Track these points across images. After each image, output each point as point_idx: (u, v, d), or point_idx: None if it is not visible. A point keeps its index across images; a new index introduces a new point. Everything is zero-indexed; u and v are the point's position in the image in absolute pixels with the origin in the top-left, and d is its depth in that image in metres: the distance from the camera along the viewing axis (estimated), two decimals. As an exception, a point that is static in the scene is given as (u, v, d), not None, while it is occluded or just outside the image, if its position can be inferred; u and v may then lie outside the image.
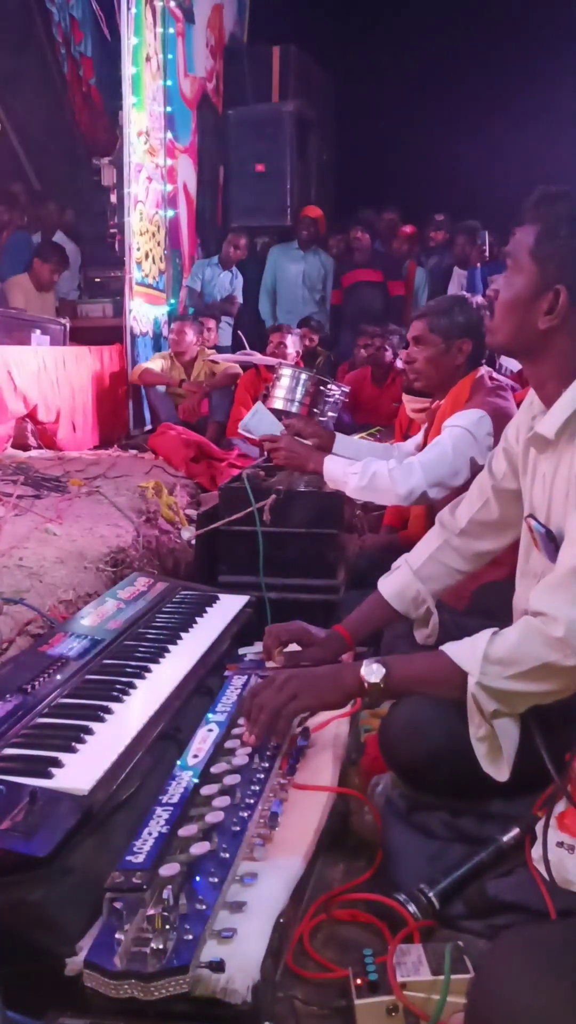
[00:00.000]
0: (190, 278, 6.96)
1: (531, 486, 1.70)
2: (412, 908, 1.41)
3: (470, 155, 8.33)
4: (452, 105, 8.38)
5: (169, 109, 6.35)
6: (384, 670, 1.53)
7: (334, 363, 6.62)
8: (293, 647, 1.94)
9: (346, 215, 7.82)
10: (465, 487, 2.39)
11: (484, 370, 2.64)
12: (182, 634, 2.01)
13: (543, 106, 8.26)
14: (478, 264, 6.59)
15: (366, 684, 1.53)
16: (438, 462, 2.45)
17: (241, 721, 1.63)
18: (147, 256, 6.06)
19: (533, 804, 1.52)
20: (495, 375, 2.67)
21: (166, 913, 1.13)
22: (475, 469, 2.42)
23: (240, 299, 7.13)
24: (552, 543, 1.59)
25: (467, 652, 1.47)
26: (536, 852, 1.43)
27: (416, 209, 7.76)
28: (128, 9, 5.63)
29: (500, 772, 1.48)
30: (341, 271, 7.34)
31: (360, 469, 2.57)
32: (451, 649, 1.50)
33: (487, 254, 6.51)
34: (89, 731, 1.48)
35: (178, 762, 1.53)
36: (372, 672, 1.53)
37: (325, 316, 7.50)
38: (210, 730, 1.65)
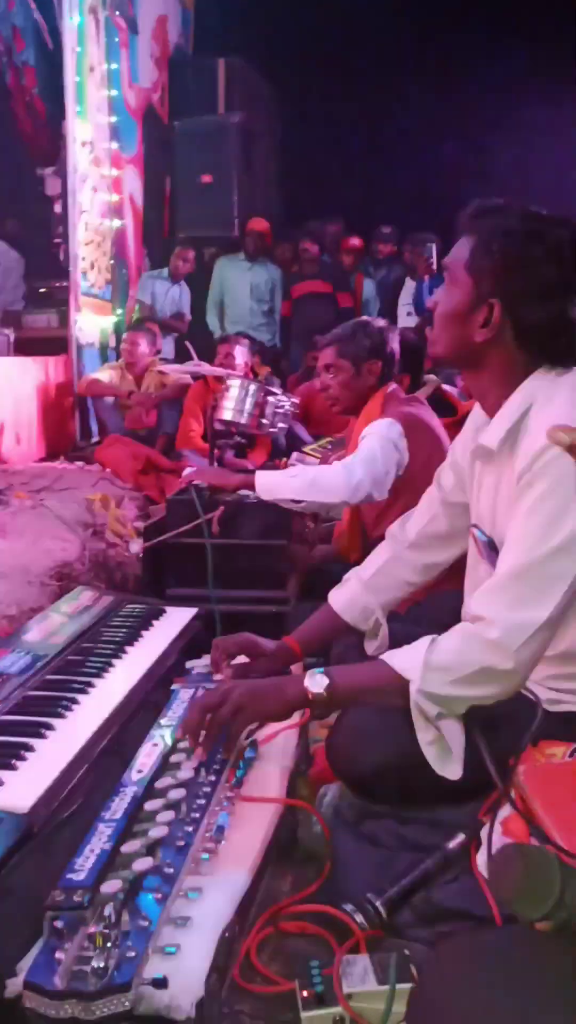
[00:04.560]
0: (140, 292, 6.93)
1: (477, 497, 1.72)
2: (359, 918, 1.41)
3: (416, 166, 8.44)
4: (397, 116, 8.47)
5: (114, 119, 6.34)
6: (327, 680, 1.53)
7: (284, 374, 6.64)
8: (241, 659, 1.93)
9: (293, 226, 7.86)
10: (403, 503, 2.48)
11: (394, 386, 2.82)
12: (128, 648, 1.99)
13: (490, 117, 8.40)
14: (426, 276, 6.66)
15: (310, 695, 1.53)
16: (372, 461, 2.59)
17: (178, 735, 1.62)
18: (93, 266, 6.03)
19: (478, 810, 1.53)
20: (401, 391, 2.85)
21: (108, 931, 1.11)
22: (397, 475, 2.61)
23: (188, 315, 7.12)
24: (495, 552, 1.62)
25: (408, 660, 1.49)
26: (481, 858, 1.44)
27: (364, 221, 7.82)
28: (71, 19, 5.60)
29: (453, 771, 1.49)
30: (290, 282, 7.36)
31: (298, 472, 2.70)
32: (392, 658, 1.51)
33: (434, 266, 6.58)
34: (30, 748, 1.45)
35: (122, 777, 1.51)
36: (315, 683, 1.53)
37: (275, 327, 7.51)
38: (155, 744, 1.63)
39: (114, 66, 6.32)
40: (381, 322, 2.90)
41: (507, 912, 0.92)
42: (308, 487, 2.62)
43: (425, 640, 1.49)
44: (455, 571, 1.95)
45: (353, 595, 1.94)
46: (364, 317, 2.97)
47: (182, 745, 1.62)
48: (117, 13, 6.40)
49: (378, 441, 2.60)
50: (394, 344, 2.85)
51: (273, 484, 2.69)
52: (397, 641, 1.85)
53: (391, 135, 8.51)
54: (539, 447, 1.46)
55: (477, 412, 1.73)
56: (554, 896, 0.89)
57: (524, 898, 0.90)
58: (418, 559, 1.93)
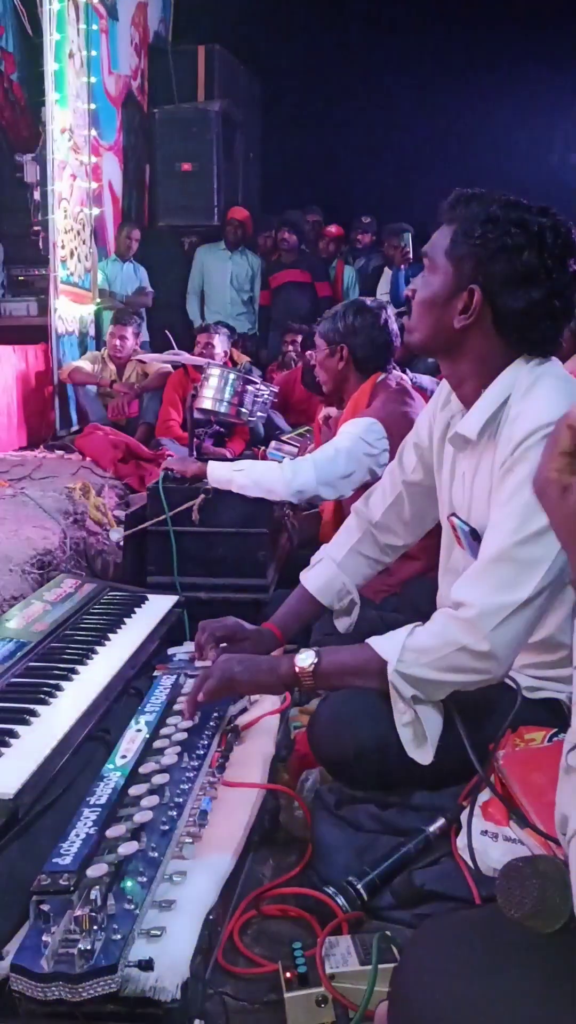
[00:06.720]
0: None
1: (450, 485, 1.73)
2: (341, 900, 1.43)
3: (396, 155, 8.44)
4: (377, 105, 8.45)
5: (93, 106, 6.27)
6: (316, 657, 1.59)
7: (263, 363, 6.62)
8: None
9: (273, 215, 7.84)
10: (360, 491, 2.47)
11: (384, 376, 2.69)
12: (110, 635, 2.00)
13: (468, 107, 8.40)
14: (402, 266, 6.67)
15: (297, 668, 1.59)
16: (330, 462, 2.56)
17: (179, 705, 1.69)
18: (72, 254, 5.98)
19: (458, 795, 1.55)
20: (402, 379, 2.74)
21: (94, 913, 1.12)
22: (373, 477, 2.52)
23: (150, 288, 7.00)
24: (476, 541, 1.63)
25: (388, 642, 1.53)
26: (461, 841, 1.46)
27: (343, 209, 7.81)
28: (50, 4, 5.54)
29: (424, 756, 1.53)
30: (269, 271, 7.34)
31: (245, 466, 2.78)
32: (375, 640, 1.56)
33: (410, 255, 6.59)
34: (14, 734, 1.46)
35: (106, 763, 1.52)
36: (304, 658, 1.60)
37: (254, 317, 7.49)
38: (139, 730, 1.64)
39: (93, 53, 6.26)
40: (370, 305, 2.71)
41: (514, 918, 0.92)
42: (251, 486, 2.72)
43: (409, 626, 1.54)
44: (420, 555, 1.98)
45: (329, 577, 1.96)
46: (360, 299, 2.83)
47: (164, 731, 1.64)
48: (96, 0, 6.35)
49: (348, 442, 2.55)
50: (385, 331, 2.67)
51: (222, 477, 2.81)
52: (374, 626, 1.87)
53: (371, 125, 8.50)
54: (521, 435, 1.48)
55: (447, 397, 1.74)
56: (570, 908, 0.88)
57: (539, 914, 0.89)
58: (380, 539, 1.96)
